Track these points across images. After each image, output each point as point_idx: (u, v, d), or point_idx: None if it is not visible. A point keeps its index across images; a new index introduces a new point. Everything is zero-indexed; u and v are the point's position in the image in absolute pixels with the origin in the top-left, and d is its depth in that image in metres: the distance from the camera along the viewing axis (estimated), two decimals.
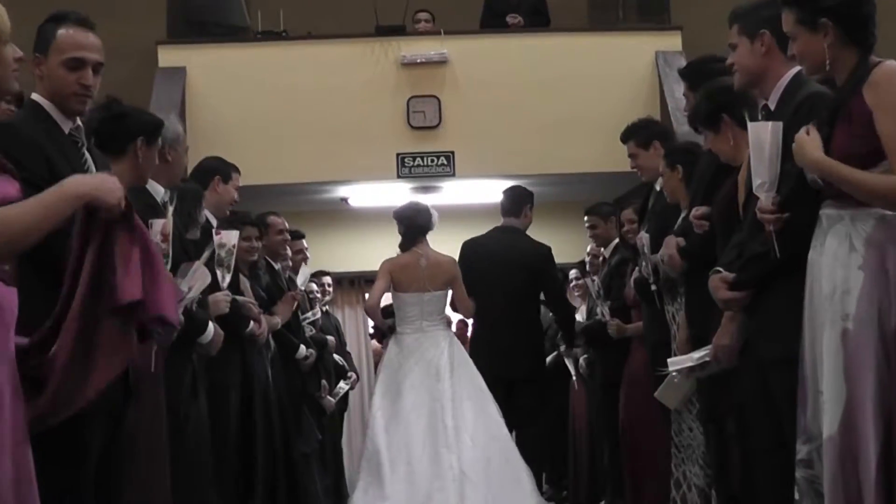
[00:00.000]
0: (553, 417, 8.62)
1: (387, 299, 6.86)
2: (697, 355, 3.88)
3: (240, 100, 8.92)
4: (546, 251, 7.18)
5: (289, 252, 7.00)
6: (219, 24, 9.25)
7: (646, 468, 5.71)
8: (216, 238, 4.13)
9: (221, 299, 4.61)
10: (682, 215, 4.92)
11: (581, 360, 7.36)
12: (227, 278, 4.51)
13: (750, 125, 3.29)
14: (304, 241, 7.65)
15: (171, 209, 3.84)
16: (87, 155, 3.26)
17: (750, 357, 3.46)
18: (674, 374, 4.03)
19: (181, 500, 4.02)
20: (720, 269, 3.52)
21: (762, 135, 3.18)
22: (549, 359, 8.47)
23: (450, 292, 6.79)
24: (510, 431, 6.57)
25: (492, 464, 6.21)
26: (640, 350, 5.76)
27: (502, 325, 6.90)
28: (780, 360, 3.28)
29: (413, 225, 6.68)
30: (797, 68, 3.47)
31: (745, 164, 3.61)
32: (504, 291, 6.88)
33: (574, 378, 7.89)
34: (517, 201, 7.19)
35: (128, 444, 3.26)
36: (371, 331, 11.04)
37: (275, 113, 8.91)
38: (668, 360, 4.11)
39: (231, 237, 4.23)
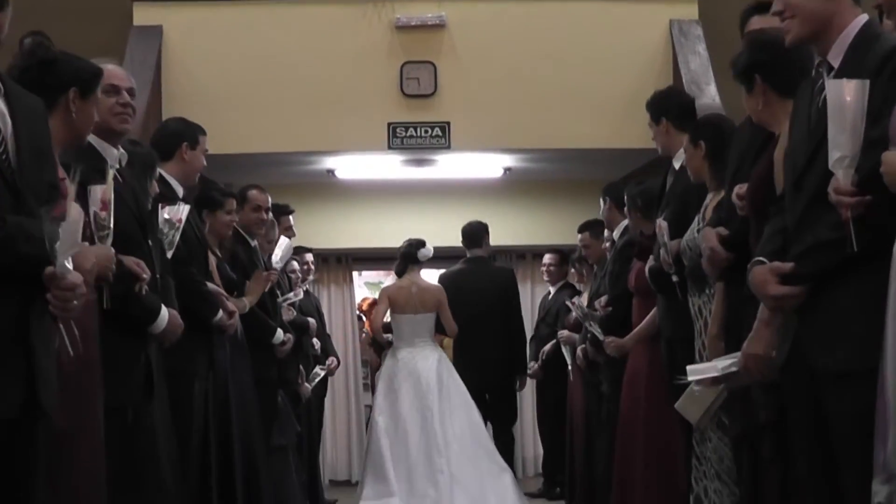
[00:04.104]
0: (550, 410, 8.44)
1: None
2: (722, 364, 3.26)
3: (220, 62, 8.43)
4: (510, 275, 8.75)
5: (276, 231, 6.56)
6: None
7: (655, 476, 5.22)
8: (160, 213, 3.61)
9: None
10: (708, 198, 4.39)
11: (578, 351, 6.97)
12: (168, 254, 4.00)
13: (828, 83, 2.63)
14: (291, 218, 7.22)
15: (111, 172, 3.28)
16: (2, 103, 2.67)
17: (798, 369, 2.83)
18: (693, 384, 3.41)
19: None
20: (763, 258, 2.91)
21: (842, 96, 2.53)
22: (546, 347, 8.53)
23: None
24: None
25: (477, 467, 7.50)
26: (643, 346, 5.38)
27: (475, 342, 8.20)
28: (843, 373, 2.66)
29: (405, 255, 7.95)
30: (865, 16, 2.84)
31: (786, 134, 3.04)
32: (474, 314, 8.11)
33: (570, 368, 7.56)
34: (477, 234, 8.50)
35: (52, 456, 2.83)
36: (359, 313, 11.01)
37: (258, 77, 8.42)
38: (688, 367, 3.48)
39: (178, 212, 3.71)
